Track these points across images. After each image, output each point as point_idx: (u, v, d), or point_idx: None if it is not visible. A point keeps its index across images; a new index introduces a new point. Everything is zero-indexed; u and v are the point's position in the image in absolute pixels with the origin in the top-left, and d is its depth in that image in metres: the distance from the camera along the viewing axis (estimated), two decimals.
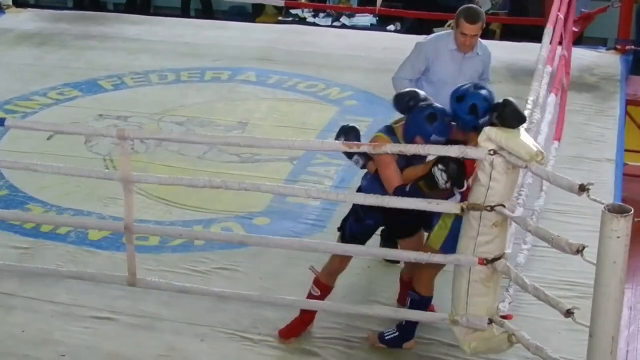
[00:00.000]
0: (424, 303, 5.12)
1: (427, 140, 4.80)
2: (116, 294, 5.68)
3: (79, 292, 5.75)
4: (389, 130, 5.00)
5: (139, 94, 9.09)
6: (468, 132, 4.83)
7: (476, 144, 4.58)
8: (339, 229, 5.29)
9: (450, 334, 5.00)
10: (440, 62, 6.04)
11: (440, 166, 4.63)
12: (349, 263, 5.32)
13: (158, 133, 7.68)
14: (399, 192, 4.81)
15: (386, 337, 5.27)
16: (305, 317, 5.37)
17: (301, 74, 9.43)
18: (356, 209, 5.15)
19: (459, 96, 4.84)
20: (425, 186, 4.70)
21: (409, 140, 4.86)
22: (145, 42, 10.49)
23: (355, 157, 5.11)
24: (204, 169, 7.31)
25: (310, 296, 5.31)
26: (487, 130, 4.53)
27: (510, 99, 4.62)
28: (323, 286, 5.31)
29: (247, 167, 7.40)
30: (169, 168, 7.35)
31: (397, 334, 5.24)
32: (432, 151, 4.70)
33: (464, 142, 4.78)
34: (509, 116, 4.55)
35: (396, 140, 4.91)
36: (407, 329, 5.23)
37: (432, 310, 5.30)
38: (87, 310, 5.65)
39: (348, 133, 5.09)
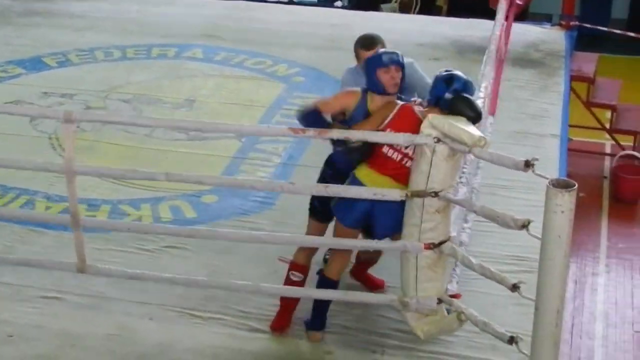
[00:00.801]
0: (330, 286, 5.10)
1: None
2: (64, 274, 5.61)
3: (25, 273, 5.69)
4: (364, 90, 5.03)
5: (84, 72, 9.00)
6: (430, 104, 4.82)
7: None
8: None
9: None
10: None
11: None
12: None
13: (105, 115, 7.56)
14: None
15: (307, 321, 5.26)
16: (291, 304, 5.28)
17: (249, 50, 9.41)
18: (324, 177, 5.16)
19: (446, 71, 4.88)
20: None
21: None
22: (91, 18, 10.38)
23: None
24: (152, 147, 7.27)
25: (289, 282, 5.22)
26: (431, 118, 4.56)
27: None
28: (302, 267, 5.26)
29: (195, 145, 7.37)
30: (116, 146, 7.31)
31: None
32: (379, 139, 4.72)
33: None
34: (462, 106, 4.61)
35: (365, 104, 4.99)
36: (318, 313, 5.20)
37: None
38: (35, 290, 5.60)
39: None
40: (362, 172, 4.89)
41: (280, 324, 5.27)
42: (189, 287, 5.47)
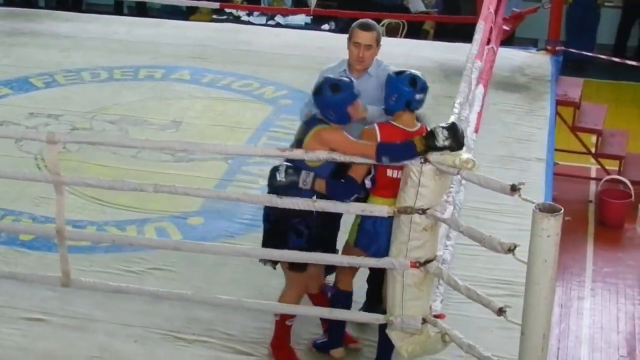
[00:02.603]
0: (344, 297, 5.15)
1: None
2: (47, 295, 5.62)
3: (9, 293, 5.67)
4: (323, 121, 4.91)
5: (71, 92, 8.98)
6: (399, 110, 4.86)
7: (408, 124, 4.84)
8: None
9: None
10: None
11: (443, 125, 4.53)
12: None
13: (90, 136, 7.55)
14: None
15: (317, 342, 5.34)
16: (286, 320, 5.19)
17: (236, 72, 9.41)
18: (295, 223, 4.95)
19: (397, 72, 4.93)
20: (421, 144, 4.52)
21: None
22: (78, 39, 10.37)
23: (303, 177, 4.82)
24: (139, 169, 7.25)
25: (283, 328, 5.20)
26: (416, 141, 4.56)
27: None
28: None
29: (182, 167, 7.36)
30: (103, 168, 7.28)
31: (326, 340, 5.30)
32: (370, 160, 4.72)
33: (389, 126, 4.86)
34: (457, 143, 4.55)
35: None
36: (334, 334, 5.26)
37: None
38: (18, 312, 5.58)
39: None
40: (376, 201, 4.85)
41: (283, 343, 5.23)
42: (173, 309, 5.45)
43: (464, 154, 4.49)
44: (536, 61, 9.76)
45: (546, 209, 4.02)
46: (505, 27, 8.92)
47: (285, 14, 13.04)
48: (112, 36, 10.45)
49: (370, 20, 5.52)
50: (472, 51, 6.26)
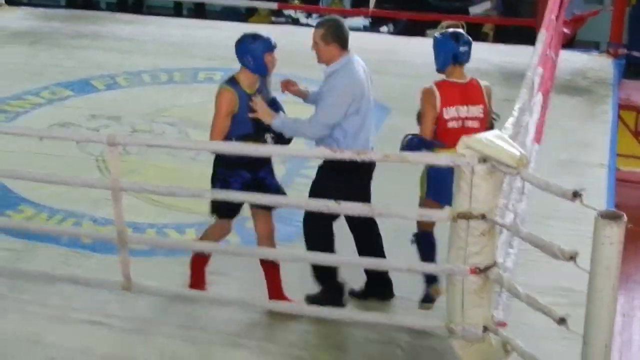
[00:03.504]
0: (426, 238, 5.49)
1: None
2: (109, 298, 5.66)
3: (71, 296, 5.72)
4: (232, 82, 5.39)
5: (131, 94, 9.07)
6: (449, 65, 5.37)
7: (459, 77, 5.37)
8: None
9: None
10: None
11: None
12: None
13: (149, 139, 7.59)
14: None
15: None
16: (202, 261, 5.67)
17: (292, 74, 9.37)
18: (222, 175, 5.42)
19: (441, 33, 5.47)
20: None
21: None
22: (138, 41, 10.48)
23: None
24: (197, 170, 7.27)
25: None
26: (465, 139, 4.52)
27: None
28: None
29: None
30: (161, 169, 7.35)
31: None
32: (424, 160, 4.74)
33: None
34: None
35: (241, 91, 5.36)
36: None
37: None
38: (80, 314, 5.62)
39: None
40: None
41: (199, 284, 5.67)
42: (233, 313, 5.47)
43: (514, 150, 4.42)
44: (598, 64, 9.65)
45: (608, 216, 3.97)
46: (565, 30, 8.83)
47: (343, 14, 13.02)
48: (171, 38, 10.54)
49: (325, 18, 5.70)
50: (533, 60, 6.19)
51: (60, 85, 9.26)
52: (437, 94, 5.30)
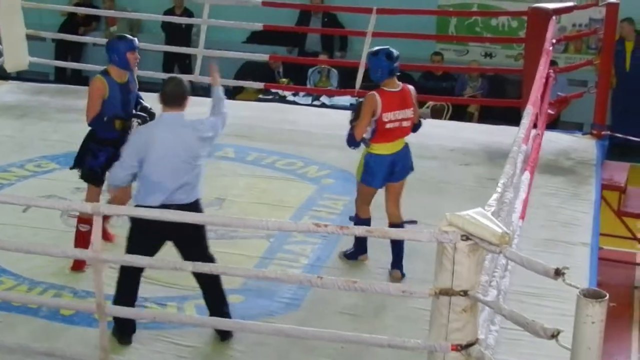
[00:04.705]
0: (364, 223, 6.74)
1: None
2: None
3: None
4: (104, 72, 6.81)
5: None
6: (385, 79, 6.61)
7: (394, 86, 6.63)
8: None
9: None
10: None
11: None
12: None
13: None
14: None
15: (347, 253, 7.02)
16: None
17: (280, 151, 9.47)
18: (92, 148, 6.82)
19: (373, 52, 6.69)
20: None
21: None
22: None
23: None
24: None
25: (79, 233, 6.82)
26: (449, 217, 4.53)
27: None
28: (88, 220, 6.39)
29: (224, 244, 7.34)
30: None
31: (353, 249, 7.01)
32: (405, 237, 4.77)
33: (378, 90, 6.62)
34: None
35: (112, 80, 6.79)
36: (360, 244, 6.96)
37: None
38: None
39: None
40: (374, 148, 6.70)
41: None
42: None
43: (496, 227, 4.42)
44: (582, 145, 9.72)
45: (591, 295, 3.97)
46: (550, 111, 8.90)
47: (330, 94, 13.14)
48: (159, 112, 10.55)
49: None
50: (519, 135, 6.24)
51: (45, 158, 9.27)
52: (379, 101, 6.55)
